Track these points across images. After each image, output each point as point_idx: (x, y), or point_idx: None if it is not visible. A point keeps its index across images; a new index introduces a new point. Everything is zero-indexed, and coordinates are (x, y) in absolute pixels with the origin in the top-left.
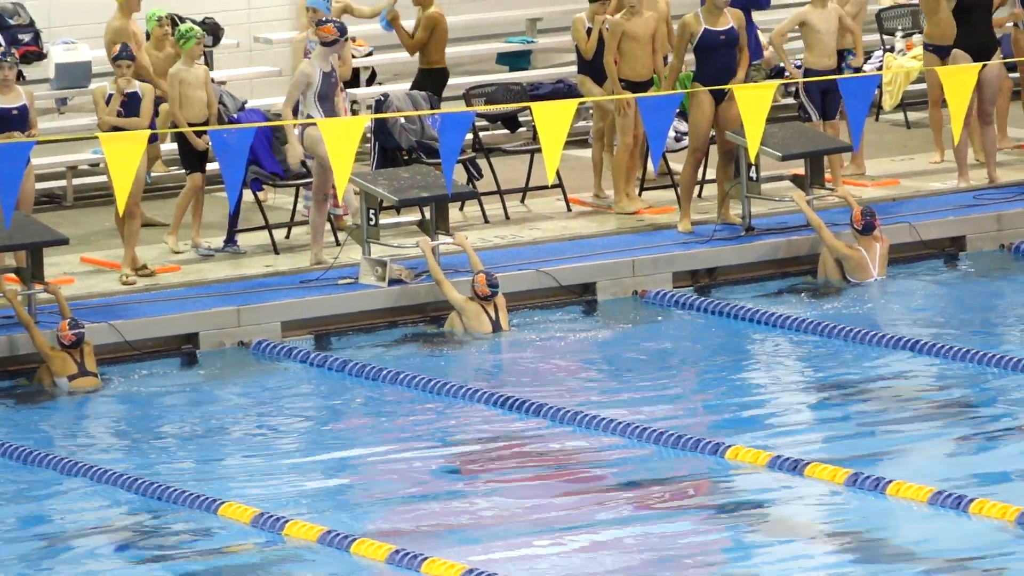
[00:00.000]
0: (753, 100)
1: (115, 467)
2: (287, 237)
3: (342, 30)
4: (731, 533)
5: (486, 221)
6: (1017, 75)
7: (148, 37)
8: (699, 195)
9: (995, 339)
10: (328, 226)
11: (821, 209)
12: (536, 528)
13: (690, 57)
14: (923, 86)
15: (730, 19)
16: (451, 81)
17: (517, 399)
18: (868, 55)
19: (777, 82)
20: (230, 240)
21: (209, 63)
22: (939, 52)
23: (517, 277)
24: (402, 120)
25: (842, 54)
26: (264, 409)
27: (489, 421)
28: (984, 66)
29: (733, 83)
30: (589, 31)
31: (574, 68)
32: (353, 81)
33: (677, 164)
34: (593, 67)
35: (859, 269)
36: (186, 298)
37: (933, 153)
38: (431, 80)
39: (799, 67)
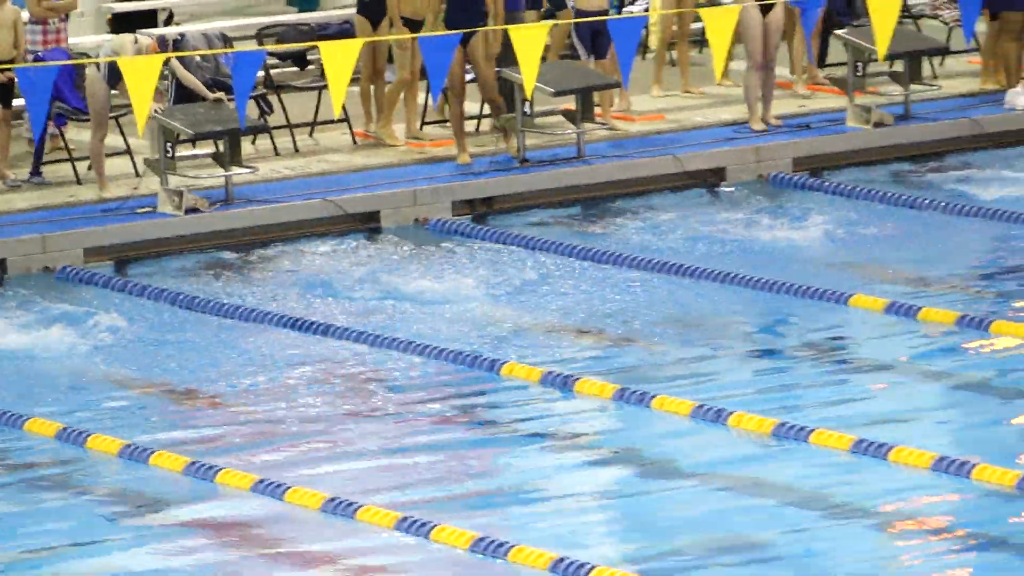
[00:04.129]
0: (528, 40)
1: None
2: (89, 169)
3: None
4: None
5: (277, 153)
6: None
7: None
8: (476, 130)
9: (757, 264)
10: (129, 158)
11: (591, 142)
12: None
13: None
14: (694, 25)
15: None
16: (243, 22)
17: (315, 322)
18: None
19: (550, 23)
20: (35, 172)
21: None
22: None
23: (306, 206)
24: (197, 58)
25: None
26: (65, 331)
27: (287, 343)
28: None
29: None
30: None
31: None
32: (151, 21)
33: None
34: (371, 8)
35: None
36: None
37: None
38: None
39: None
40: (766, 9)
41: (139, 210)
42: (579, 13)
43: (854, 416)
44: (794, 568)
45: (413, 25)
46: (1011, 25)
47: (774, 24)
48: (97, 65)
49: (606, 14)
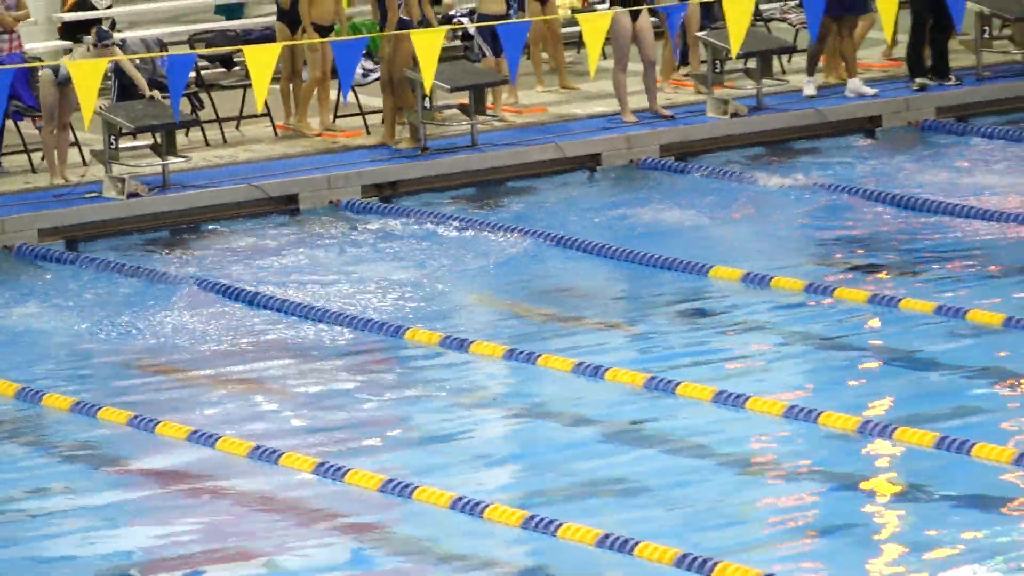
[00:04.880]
0: (427, 42)
1: None
2: (43, 160)
3: None
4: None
5: (207, 144)
6: None
7: None
8: (382, 121)
9: (628, 238)
10: (77, 149)
11: (483, 132)
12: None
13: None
14: (573, 29)
15: None
16: (176, 28)
17: (242, 292)
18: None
19: (447, 27)
20: None
21: None
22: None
23: (233, 190)
24: (137, 60)
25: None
26: (22, 302)
27: (217, 312)
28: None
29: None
30: None
31: None
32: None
33: (364, 96)
34: (290, 15)
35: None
36: None
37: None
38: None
39: (472, 13)
40: (635, 16)
41: (87, 195)
42: (481, 17)
43: (715, 371)
44: (664, 505)
45: (322, 30)
46: (825, 30)
47: (644, 28)
48: (55, 72)
49: (506, 18)
